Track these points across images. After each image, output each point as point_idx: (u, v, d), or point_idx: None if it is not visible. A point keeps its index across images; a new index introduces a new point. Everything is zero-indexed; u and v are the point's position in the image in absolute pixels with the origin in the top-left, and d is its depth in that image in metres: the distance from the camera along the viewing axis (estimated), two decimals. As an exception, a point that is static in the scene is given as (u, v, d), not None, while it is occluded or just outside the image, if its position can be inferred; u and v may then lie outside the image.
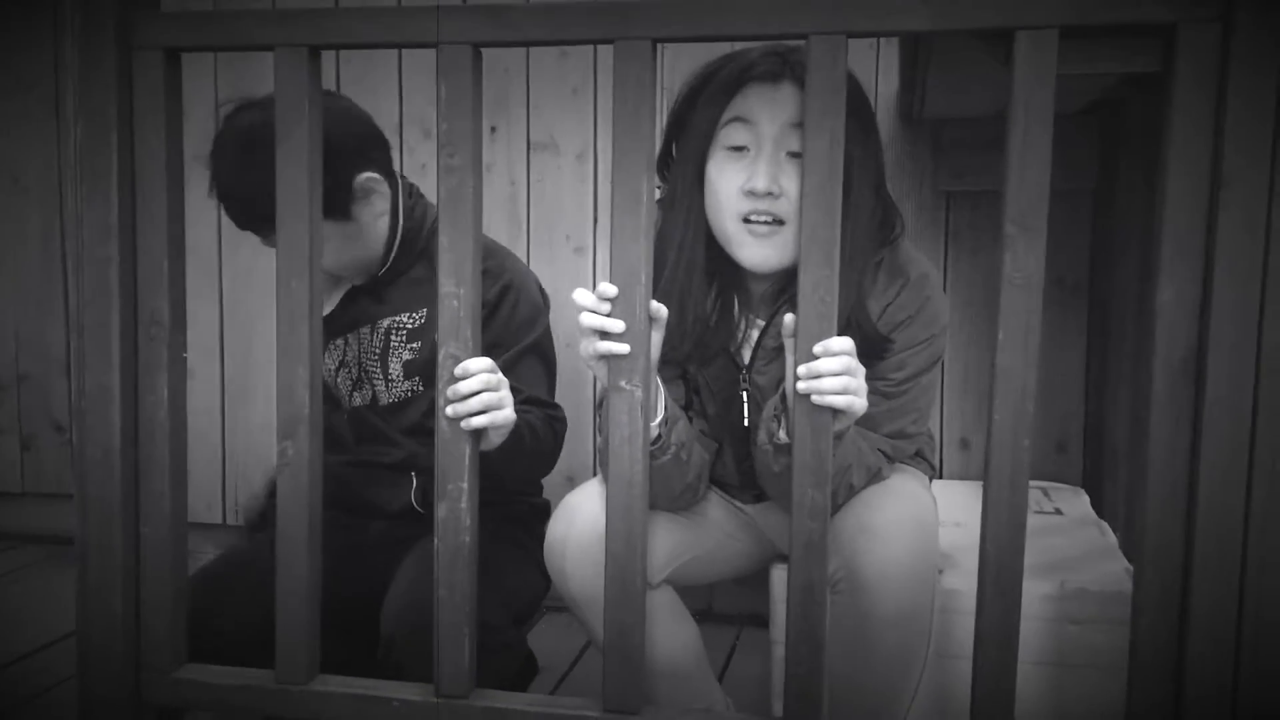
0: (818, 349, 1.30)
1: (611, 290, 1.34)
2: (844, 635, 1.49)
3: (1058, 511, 2.09)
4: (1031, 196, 1.25)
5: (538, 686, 2.00)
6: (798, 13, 1.28)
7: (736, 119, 1.50)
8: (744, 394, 1.62)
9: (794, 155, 1.49)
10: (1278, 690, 1.25)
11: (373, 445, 1.90)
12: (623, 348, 1.33)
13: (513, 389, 1.50)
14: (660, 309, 1.37)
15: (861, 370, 1.34)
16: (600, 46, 2.44)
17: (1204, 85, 1.21)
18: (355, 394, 1.89)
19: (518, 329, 1.83)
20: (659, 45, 1.34)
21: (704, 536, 1.69)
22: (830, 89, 1.28)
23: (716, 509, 1.73)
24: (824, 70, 1.28)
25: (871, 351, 1.51)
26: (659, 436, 1.49)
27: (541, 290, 1.91)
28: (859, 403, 1.32)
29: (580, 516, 1.54)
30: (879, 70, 2.39)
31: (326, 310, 1.82)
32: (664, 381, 1.59)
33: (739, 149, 1.50)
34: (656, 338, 1.39)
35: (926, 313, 1.55)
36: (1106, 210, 2.36)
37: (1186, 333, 1.24)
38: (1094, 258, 2.41)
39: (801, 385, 1.30)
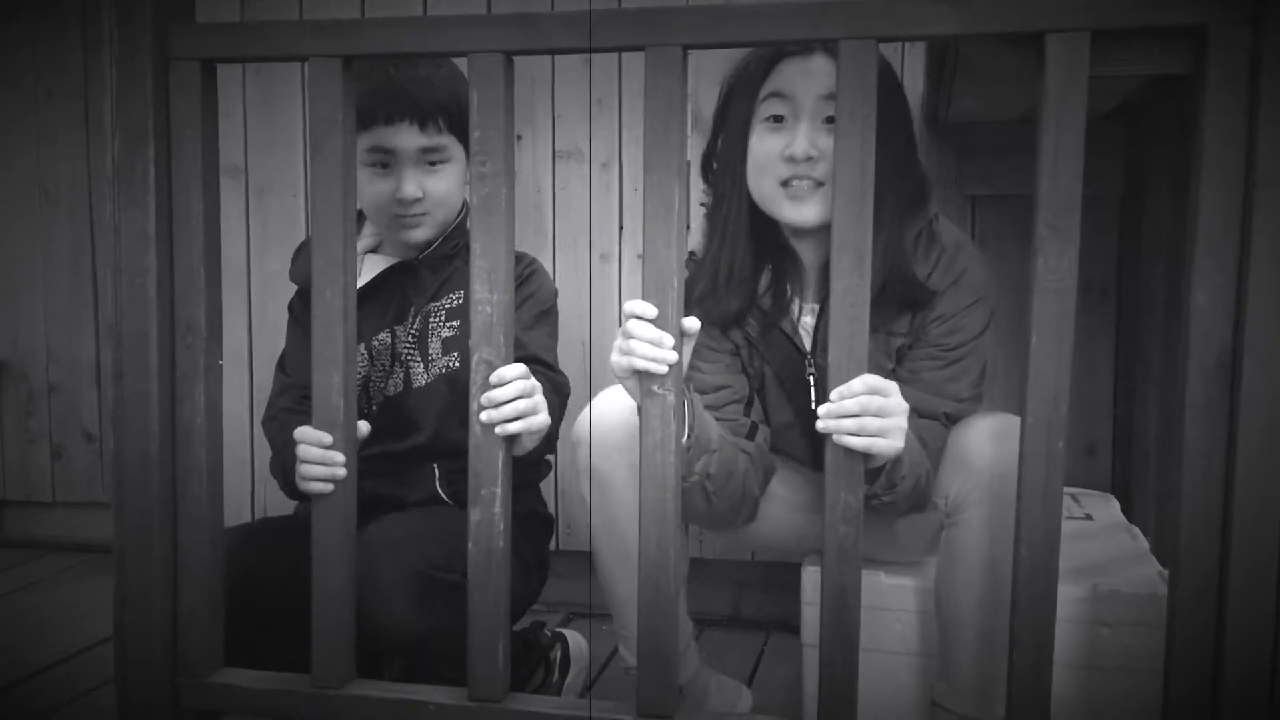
0: (834, 394, 1.32)
1: (653, 311, 1.35)
2: (972, 565, 1.54)
3: (1088, 517, 2.09)
4: (1064, 199, 1.25)
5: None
6: (827, 18, 1.29)
7: (773, 94, 1.57)
8: (810, 379, 1.66)
9: (829, 121, 1.53)
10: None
11: (391, 435, 1.88)
12: (661, 368, 1.35)
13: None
14: (692, 322, 1.39)
15: (899, 409, 1.36)
16: (625, 56, 2.47)
17: (1235, 87, 1.21)
18: (388, 383, 1.89)
19: (541, 299, 1.89)
20: (688, 52, 1.35)
21: (763, 508, 1.74)
22: (861, 93, 1.29)
23: (783, 487, 1.76)
24: (854, 75, 1.29)
25: (918, 302, 1.58)
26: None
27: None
28: (881, 444, 1.34)
29: (614, 400, 1.63)
30: (904, 74, 2.39)
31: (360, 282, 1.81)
32: (723, 374, 1.67)
33: (778, 120, 1.57)
34: (686, 350, 1.40)
35: (969, 277, 1.60)
36: (1133, 214, 2.36)
37: (1220, 335, 1.24)
38: (1121, 261, 2.41)
39: (820, 425, 1.33)
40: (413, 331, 1.85)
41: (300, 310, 1.90)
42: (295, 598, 1.55)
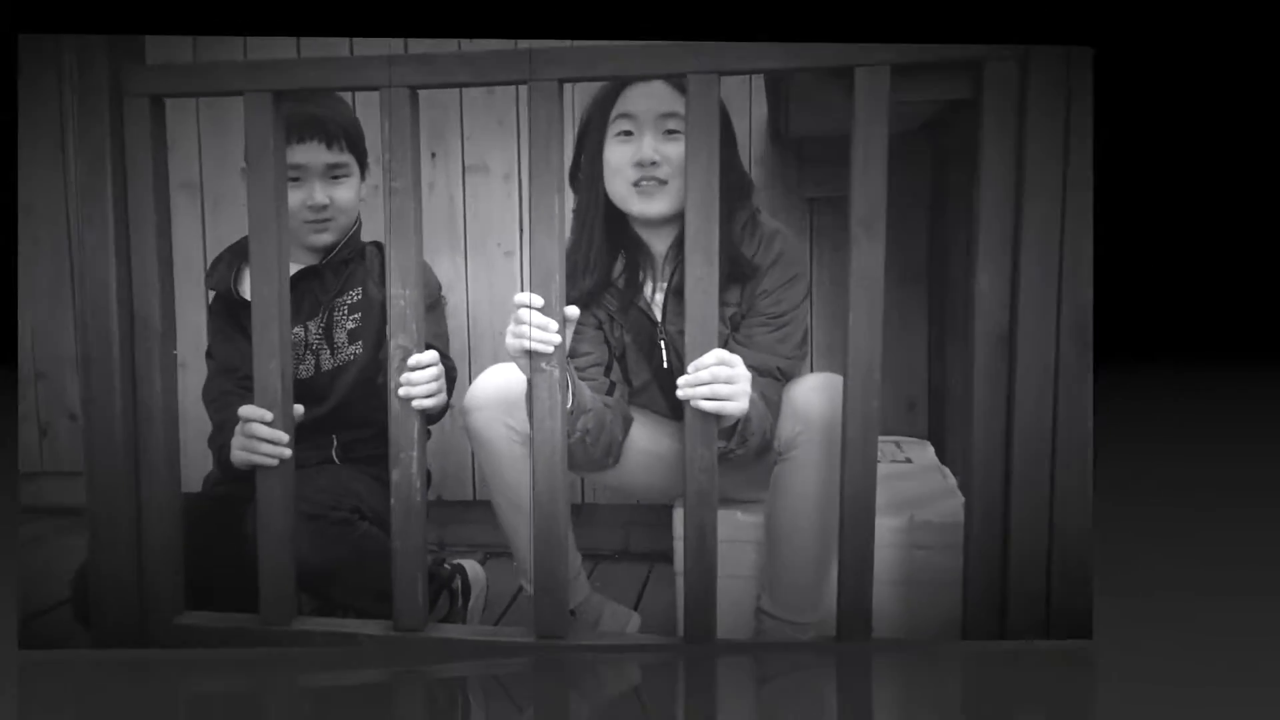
0: (690, 368, 1.37)
1: (540, 301, 1.37)
2: (795, 494, 1.55)
3: (908, 460, 2.13)
4: (872, 203, 1.28)
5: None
6: (678, 56, 1.31)
7: (622, 114, 1.58)
8: (661, 343, 1.68)
9: (668, 133, 1.56)
10: (1078, 590, 1.32)
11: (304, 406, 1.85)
12: (548, 348, 1.37)
13: None
14: (573, 310, 1.41)
15: (744, 376, 1.40)
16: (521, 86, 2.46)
17: (1007, 110, 1.25)
18: (300, 367, 1.86)
19: (428, 293, 1.83)
20: (564, 85, 1.35)
21: (629, 455, 1.76)
22: (707, 119, 1.31)
23: (643, 440, 1.77)
24: (701, 103, 1.31)
25: (744, 275, 1.61)
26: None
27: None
28: (730, 406, 1.38)
29: (493, 376, 1.63)
30: (751, 98, 2.42)
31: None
32: (588, 343, 1.67)
33: (627, 134, 1.58)
34: (568, 332, 1.42)
35: (786, 257, 1.63)
36: (940, 215, 2.41)
37: (999, 313, 1.28)
38: (931, 254, 2.46)
39: (679, 393, 1.38)
40: (321, 325, 1.84)
41: (219, 310, 1.88)
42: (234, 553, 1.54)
